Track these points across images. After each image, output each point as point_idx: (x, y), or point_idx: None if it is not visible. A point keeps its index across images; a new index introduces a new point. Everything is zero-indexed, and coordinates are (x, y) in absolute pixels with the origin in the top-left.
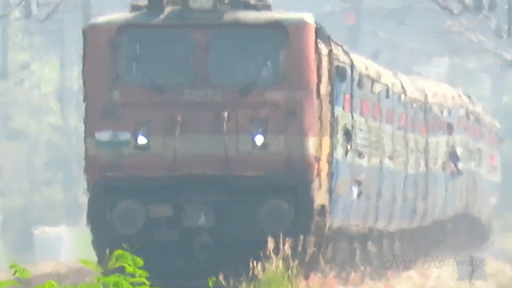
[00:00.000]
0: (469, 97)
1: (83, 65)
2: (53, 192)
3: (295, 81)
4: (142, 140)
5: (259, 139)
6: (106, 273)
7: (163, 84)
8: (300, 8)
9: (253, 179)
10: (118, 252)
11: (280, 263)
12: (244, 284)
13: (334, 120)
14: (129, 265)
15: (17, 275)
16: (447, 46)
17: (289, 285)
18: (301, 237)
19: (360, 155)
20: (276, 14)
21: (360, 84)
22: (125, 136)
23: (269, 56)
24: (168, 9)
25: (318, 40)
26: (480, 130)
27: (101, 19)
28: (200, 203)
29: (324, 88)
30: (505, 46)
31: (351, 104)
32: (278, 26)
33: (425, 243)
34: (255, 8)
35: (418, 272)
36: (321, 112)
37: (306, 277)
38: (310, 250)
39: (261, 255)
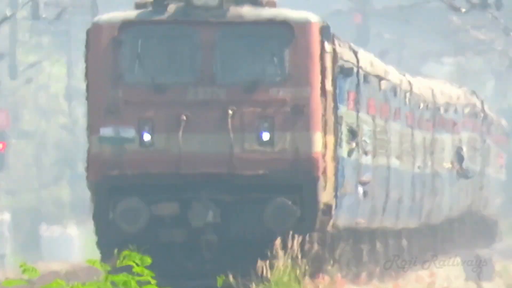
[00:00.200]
0: (476, 95)
1: (86, 63)
2: (61, 190)
3: (301, 79)
4: (146, 138)
5: (265, 136)
6: (113, 272)
7: (167, 82)
8: (307, 8)
9: (258, 177)
10: (126, 252)
11: (289, 262)
12: (253, 284)
13: (338, 118)
14: (137, 264)
15: (26, 274)
16: (454, 45)
17: (298, 285)
18: (307, 235)
19: (366, 153)
20: (282, 12)
21: (366, 82)
22: (129, 133)
23: (275, 53)
24: (172, 6)
25: (323, 38)
26: (487, 128)
27: (103, 17)
28: (205, 202)
29: (329, 86)
30: (511, 45)
31: (357, 102)
32: (283, 24)
33: (432, 242)
34: (260, 5)
35: (427, 272)
36: (325, 109)
37: (313, 276)
38: (316, 248)
39: (269, 254)
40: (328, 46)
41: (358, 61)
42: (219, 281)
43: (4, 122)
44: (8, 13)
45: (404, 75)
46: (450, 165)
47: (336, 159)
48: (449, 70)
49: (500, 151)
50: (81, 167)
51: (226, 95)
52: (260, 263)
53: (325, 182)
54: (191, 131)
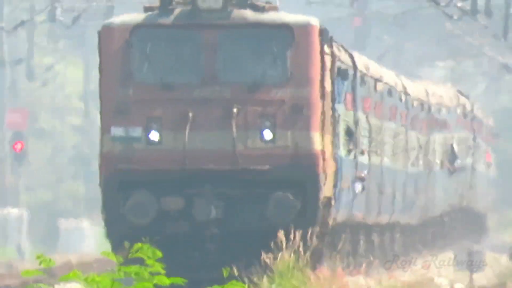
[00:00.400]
0: (466, 96)
1: (99, 65)
2: (76, 186)
3: (301, 79)
4: (154, 135)
5: (267, 134)
6: (125, 264)
7: (174, 81)
8: (308, 14)
9: (261, 172)
10: (138, 245)
11: (292, 254)
12: (257, 275)
13: (336, 117)
14: (149, 257)
15: (42, 265)
16: (448, 50)
17: (301, 276)
18: (309, 229)
19: (362, 152)
20: (283, 16)
21: (362, 83)
22: (138, 131)
23: (276, 55)
24: (178, 10)
25: (322, 41)
26: (477, 127)
27: (115, 20)
28: (210, 196)
29: (328, 87)
30: (502, 50)
31: (354, 102)
32: (285, 27)
33: (425, 236)
34: (263, 9)
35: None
36: (324, 109)
37: (313, 268)
38: (316, 241)
39: (272, 246)
40: (327, 49)
41: (354, 63)
42: (225, 272)
43: (21, 123)
44: (26, 18)
45: (397, 77)
46: (442, 163)
47: (335, 156)
48: (443, 73)
49: (488, 149)
50: (95, 165)
51: (229, 94)
52: (264, 255)
53: (325, 178)
54: (197, 128)
